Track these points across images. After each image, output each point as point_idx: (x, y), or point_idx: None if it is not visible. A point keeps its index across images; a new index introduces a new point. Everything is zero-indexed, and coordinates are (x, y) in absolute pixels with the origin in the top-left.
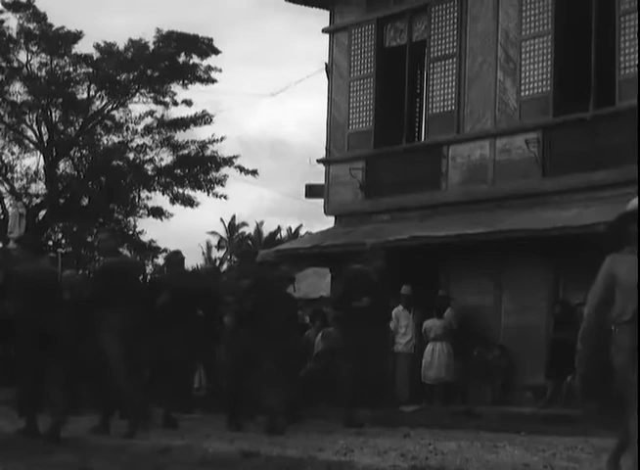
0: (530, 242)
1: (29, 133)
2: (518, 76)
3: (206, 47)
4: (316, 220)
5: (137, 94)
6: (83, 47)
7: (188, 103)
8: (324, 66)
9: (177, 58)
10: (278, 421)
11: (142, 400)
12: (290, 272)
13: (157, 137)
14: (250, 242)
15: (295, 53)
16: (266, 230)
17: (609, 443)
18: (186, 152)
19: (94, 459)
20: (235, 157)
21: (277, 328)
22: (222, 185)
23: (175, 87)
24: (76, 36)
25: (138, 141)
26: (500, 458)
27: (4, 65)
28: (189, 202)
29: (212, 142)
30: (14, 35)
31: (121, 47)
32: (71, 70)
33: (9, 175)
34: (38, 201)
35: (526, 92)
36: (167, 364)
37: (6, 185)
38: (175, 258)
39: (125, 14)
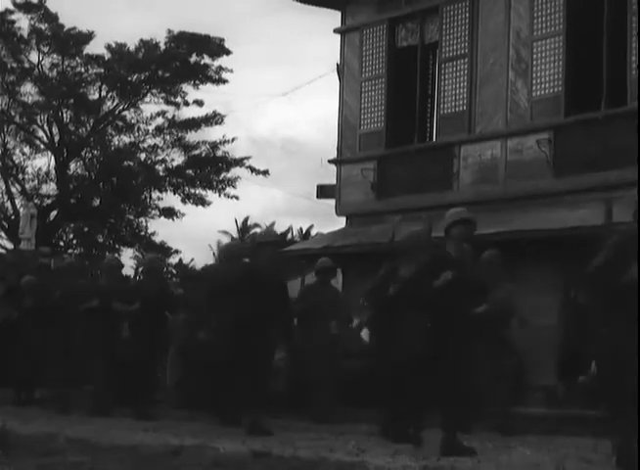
0: (541, 242)
1: (40, 134)
2: (529, 77)
3: (218, 47)
4: (327, 221)
5: (148, 94)
6: (94, 48)
7: (199, 103)
8: (335, 66)
9: (188, 58)
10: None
11: None
12: None
13: (168, 138)
14: None
15: (306, 53)
16: (277, 231)
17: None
18: (197, 152)
19: (105, 460)
20: (246, 158)
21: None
22: (233, 186)
23: (186, 87)
24: (88, 37)
25: (149, 141)
26: (512, 459)
27: (15, 65)
28: (200, 201)
29: (223, 143)
30: (25, 36)
31: (133, 48)
32: (83, 70)
33: (20, 176)
34: (49, 201)
35: (538, 92)
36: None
37: (17, 186)
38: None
39: (136, 14)
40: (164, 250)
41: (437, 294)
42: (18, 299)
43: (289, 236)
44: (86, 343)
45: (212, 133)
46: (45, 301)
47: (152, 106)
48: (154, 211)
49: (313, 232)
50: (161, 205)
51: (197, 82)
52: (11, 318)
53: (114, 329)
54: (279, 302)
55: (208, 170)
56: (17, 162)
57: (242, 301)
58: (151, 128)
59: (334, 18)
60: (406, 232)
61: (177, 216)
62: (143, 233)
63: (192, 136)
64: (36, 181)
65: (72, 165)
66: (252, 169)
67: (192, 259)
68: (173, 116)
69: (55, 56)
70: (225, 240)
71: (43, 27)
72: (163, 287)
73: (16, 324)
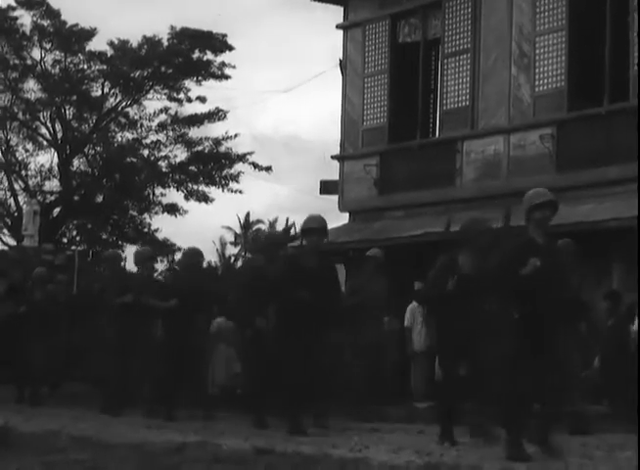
0: None
1: (43, 131)
2: (532, 72)
3: (220, 43)
4: (330, 217)
5: (151, 91)
6: (97, 44)
7: (202, 99)
8: (338, 62)
9: (191, 54)
10: None
11: None
12: None
13: (171, 134)
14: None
15: (308, 49)
16: (280, 227)
17: (622, 439)
18: (200, 148)
19: (107, 457)
20: (249, 153)
21: None
22: (237, 182)
23: (189, 84)
24: (90, 33)
25: (152, 138)
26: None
27: (18, 62)
28: (203, 198)
29: (226, 139)
30: (27, 33)
31: (135, 44)
32: (85, 67)
33: (23, 173)
34: (52, 198)
35: (541, 88)
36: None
37: (20, 182)
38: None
39: (139, 11)
40: (168, 246)
41: (526, 282)
42: (21, 295)
43: (292, 232)
44: (105, 339)
45: (215, 129)
46: (57, 295)
47: (154, 102)
48: (157, 208)
49: None
50: (165, 201)
51: (199, 78)
52: (17, 313)
53: (136, 325)
54: (330, 291)
55: (211, 167)
56: (20, 158)
57: (288, 294)
58: (154, 125)
59: (336, 13)
60: (465, 219)
61: (180, 213)
62: (146, 230)
63: (195, 132)
64: (39, 178)
65: (75, 162)
66: (255, 166)
67: None
68: (176, 112)
69: (57, 53)
70: (229, 236)
71: (45, 24)
72: (201, 283)
73: (20, 320)
